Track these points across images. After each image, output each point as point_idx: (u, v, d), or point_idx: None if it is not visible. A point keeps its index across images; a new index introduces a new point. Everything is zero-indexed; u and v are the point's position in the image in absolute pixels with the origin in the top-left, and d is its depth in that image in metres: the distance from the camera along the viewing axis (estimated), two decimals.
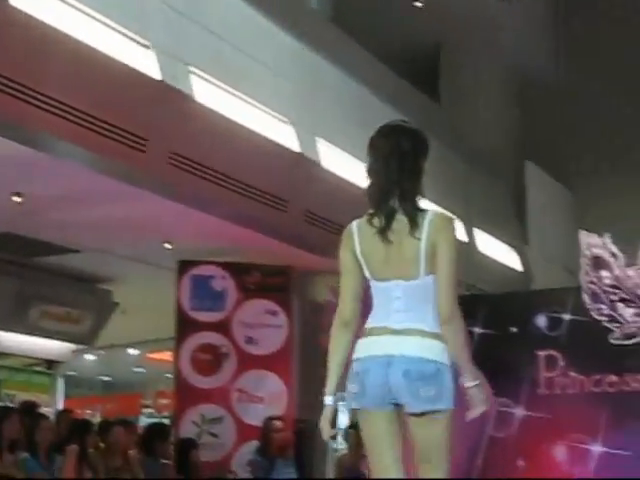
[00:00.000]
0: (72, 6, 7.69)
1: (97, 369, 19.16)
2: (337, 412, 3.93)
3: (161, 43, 8.61)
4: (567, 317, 8.63)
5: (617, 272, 8.35)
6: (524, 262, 16.30)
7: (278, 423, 10.43)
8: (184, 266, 11.60)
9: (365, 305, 3.98)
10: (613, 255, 8.39)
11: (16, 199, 9.25)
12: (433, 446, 3.83)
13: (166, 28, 8.78)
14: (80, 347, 14.30)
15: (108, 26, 8.06)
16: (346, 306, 3.93)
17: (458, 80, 17.00)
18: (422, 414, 3.79)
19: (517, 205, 16.77)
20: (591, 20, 17.31)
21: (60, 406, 13.98)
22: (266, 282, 11.84)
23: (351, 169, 10.91)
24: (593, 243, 8.48)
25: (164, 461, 9.46)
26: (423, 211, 3.87)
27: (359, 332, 3.94)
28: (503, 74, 17.36)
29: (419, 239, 3.81)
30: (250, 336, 11.70)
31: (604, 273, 8.41)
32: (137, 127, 8.20)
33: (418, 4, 15.43)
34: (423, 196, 3.92)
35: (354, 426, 9.89)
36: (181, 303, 11.59)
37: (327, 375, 3.94)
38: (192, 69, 9.01)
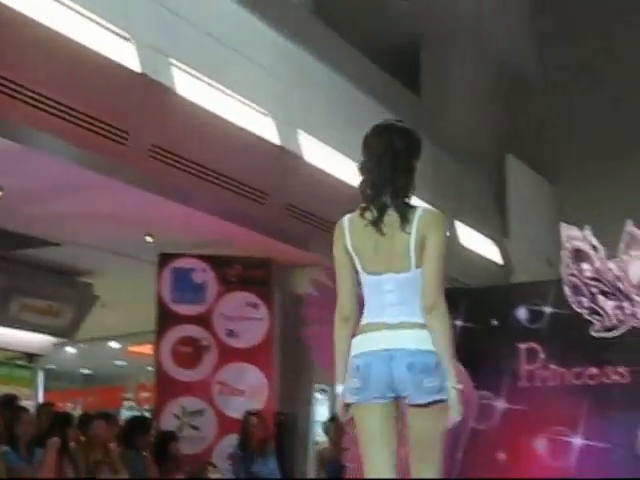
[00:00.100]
0: None
1: (78, 362, 19.05)
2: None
3: (142, 36, 8.58)
4: (548, 310, 8.64)
5: (598, 265, 8.36)
6: (504, 255, 16.33)
7: (254, 419, 10.40)
8: (165, 259, 11.58)
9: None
10: (594, 248, 8.39)
11: None
12: (429, 439, 3.87)
13: (147, 21, 8.76)
14: (61, 340, 14.28)
15: (89, 18, 8.04)
16: (345, 302, 3.97)
17: (439, 73, 16.99)
18: (425, 405, 3.83)
19: (498, 198, 16.80)
20: (571, 13, 17.35)
21: (41, 399, 13.96)
22: (247, 275, 11.84)
23: (333, 162, 10.90)
24: (574, 236, 8.48)
25: (145, 454, 9.45)
26: (414, 207, 3.93)
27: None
28: (484, 68, 17.35)
29: (409, 233, 3.86)
30: (231, 329, 11.69)
31: (585, 266, 8.42)
32: (118, 120, 8.17)
33: None
34: (414, 194, 3.97)
35: (333, 419, 9.92)
36: (162, 296, 11.58)
37: (336, 366, 3.97)
38: (173, 62, 8.99)
